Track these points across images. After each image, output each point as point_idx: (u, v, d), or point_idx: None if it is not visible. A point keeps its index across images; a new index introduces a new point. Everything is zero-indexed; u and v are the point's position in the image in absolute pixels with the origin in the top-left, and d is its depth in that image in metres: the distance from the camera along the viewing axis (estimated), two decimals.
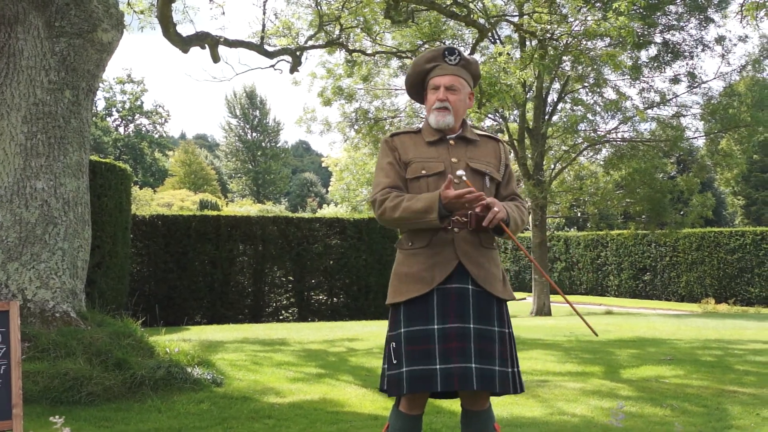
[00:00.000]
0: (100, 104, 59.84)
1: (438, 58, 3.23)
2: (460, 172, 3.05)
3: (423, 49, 16.27)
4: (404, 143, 3.24)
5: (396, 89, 23.20)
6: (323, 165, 41.93)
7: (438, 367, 2.94)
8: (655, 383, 6.48)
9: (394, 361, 3.04)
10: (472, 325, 2.99)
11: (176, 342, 7.26)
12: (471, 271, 3.04)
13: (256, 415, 5.20)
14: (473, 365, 2.92)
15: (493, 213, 2.99)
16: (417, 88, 3.35)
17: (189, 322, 14.66)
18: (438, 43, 16.89)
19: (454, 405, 4.95)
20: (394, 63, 21.63)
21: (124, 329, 6.55)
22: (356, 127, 23.18)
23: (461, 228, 3.07)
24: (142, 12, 13.85)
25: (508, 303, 3.19)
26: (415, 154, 3.18)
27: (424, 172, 3.13)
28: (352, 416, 5.20)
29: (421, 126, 3.32)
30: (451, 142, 3.20)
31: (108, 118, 61.27)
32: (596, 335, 3.45)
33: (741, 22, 13.97)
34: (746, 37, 23.58)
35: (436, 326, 2.99)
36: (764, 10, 12.04)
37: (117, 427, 4.85)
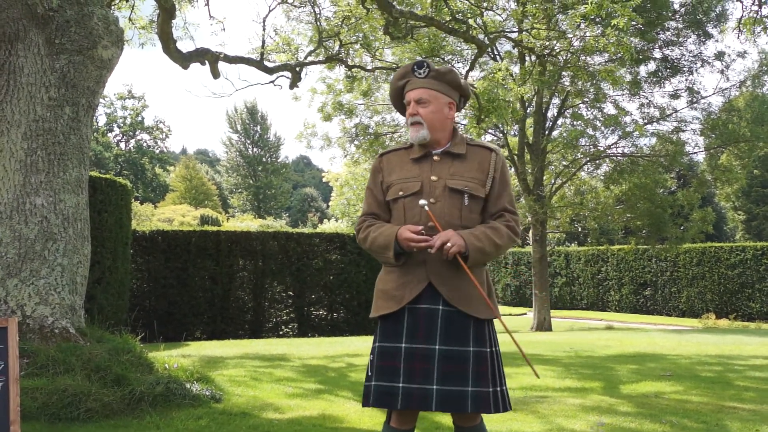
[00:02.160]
0: (101, 120, 60.12)
1: (408, 74, 3.23)
2: (422, 202, 3.06)
3: None
4: (390, 163, 3.25)
5: None
6: (324, 180, 41.96)
7: (401, 385, 2.96)
8: (655, 399, 6.47)
9: (369, 374, 3.09)
10: (438, 347, 2.99)
11: (175, 358, 7.24)
12: (442, 291, 3.04)
13: (255, 431, 5.19)
14: (434, 387, 2.94)
15: (446, 250, 2.97)
16: (400, 107, 3.36)
17: (189, 337, 14.64)
18: (437, 59, 16.95)
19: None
20: None
21: (123, 345, 6.53)
22: (356, 142, 23.26)
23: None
24: (142, 28, 13.95)
25: (500, 319, 3.15)
26: (398, 175, 3.19)
27: (401, 193, 3.15)
28: None
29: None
30: (436, 158, 3.17)
31: (109, 134, 61.49)
32: (538, 377, 3.57)
33: (738, 38, 14.04)
34: (745, 52, 23.75)
35: (403, 345, 3.01)
36: (762, 25, 12.09)
37: None
